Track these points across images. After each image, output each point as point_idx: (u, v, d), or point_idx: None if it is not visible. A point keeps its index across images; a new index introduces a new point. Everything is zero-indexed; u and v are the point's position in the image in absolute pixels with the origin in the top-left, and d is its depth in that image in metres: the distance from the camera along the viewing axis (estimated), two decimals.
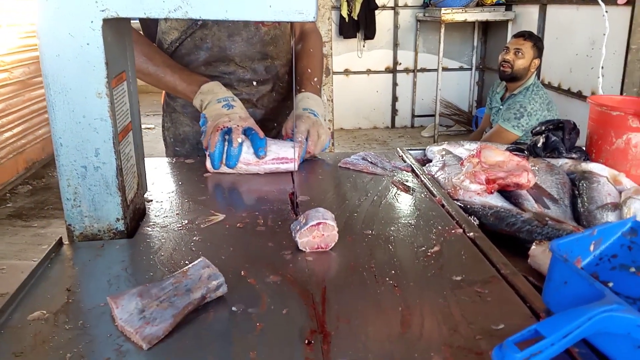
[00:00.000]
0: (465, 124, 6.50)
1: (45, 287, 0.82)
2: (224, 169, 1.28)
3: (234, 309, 0.76)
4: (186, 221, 1.05)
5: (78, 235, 0.98)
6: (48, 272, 0.86)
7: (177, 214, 1.08)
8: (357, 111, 6.64)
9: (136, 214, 1.06)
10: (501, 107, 3.67)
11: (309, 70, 1.56)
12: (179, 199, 1.18)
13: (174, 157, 1.60)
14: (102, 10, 0.86)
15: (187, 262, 0.87)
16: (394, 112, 6.83)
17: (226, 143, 1.25)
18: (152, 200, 1.16)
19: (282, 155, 1.28)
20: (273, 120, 1.63)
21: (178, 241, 0.96)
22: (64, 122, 0.92)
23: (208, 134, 1.27)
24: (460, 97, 6.71)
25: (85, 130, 0.92)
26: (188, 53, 1.48)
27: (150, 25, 1.50)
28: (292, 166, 1.29)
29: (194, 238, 0.98)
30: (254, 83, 1.54)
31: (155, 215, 1.08)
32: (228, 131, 1.25)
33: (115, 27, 0.94)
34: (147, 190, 1.20)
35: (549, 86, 4.77)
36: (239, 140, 1.25)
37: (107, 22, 0.88)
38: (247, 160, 1.27)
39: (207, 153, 1.28)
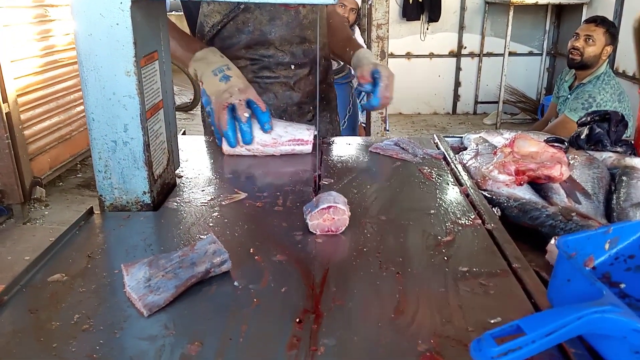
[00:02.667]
0: (531, 112, 6.22)
1: (69, 252, 0.88)
2: (239, 150, 1.29)
3: (236, 284, 0.78)
4: (209, 198, 1.08)
5: (108, 206, 1.04)
6: (75, 238, 0.92)
7: (202, 190, 1.12)
8: (417, 96, 6.51)
9: (164, 189, 1.11)
10: (569, 96, 3.49)
11: (349, 38, 1.63)
12: (207, 176, 1.22)
13: (212, 136, 1.65)
14: None
15: (202, 237, 0.91)
16: (456, 97, 6.64)
17: (236, 121, 1.24)
18: (182, 176, 1.21)
19: (297, 137, 1.30)
20: (309, 103, 1.64)
21: (198, 216, 1.00)
22: (96, 98, 0.97)
23: (216, 114, 1.26)
24: (529, 84, 6.42)
25: (115, 106, 0.97)
26: (230, 36, 1.52)
27: (192, 8, 1.54)
28: (308, 148, 1.31)
29: (214, 214, 1.01)
30: (292, 67, 1.56)
31: (182, 191, 1.13)
32: (233, 108, 1.23)
33: (145, 8, 0.98)
34: (179, 166, 1.24)
35: (623, 75, 4.47)
36: (246, 115, 1.23)
37: (135, 3, 0.92)
38: (263, 141, 1.28)
39: (221, 134, 1.28)
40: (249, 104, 1.25)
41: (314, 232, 0.92)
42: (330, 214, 0.91)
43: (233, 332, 0.67)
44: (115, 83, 0.96)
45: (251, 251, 0.87)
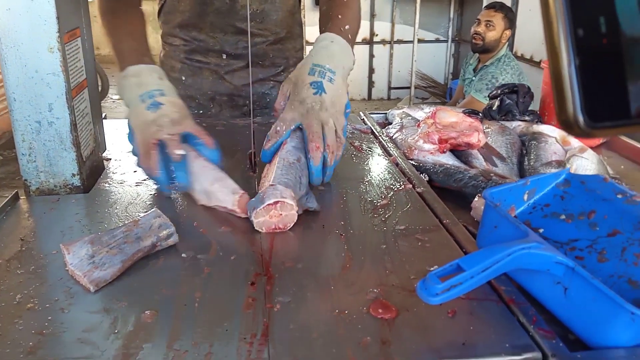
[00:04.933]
0: (441, 95, 6.54)
1: None
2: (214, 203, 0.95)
3: (183, 255, 0.78)
4: (144, 177, 1.06)
5: (34, 190, 0.99)
6: (2, 223, 0.88)
7: (134, 171, 1.10)
8: None
9: (93, 171, 1.07)
10: (474, 78, 3.72)
11: (340, 16, 1.17)
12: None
13: None
14: None
15: (141, 214, 0.90)
16: (371, 84, 6.83)
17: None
18: (110, 159, 1.17)
19: (222, 203, 0.92)
20: (244, 97, 1.56)
21: (134, 196, 0.98)
22: (17, 77, 0.92)
23: (142, 156, 0.95)
24: (437, 69, 6.73)
25: (38, 85, 0.93)
26: (169, 12, 1.49)
27: None
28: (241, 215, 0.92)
29: (151, 194, 1.00)
30: (224, 56, 1.52)
31: (113, 173, 1.10)
32: (162, 145, 0.93)
33: None
34: (105, 149, 1.20)
35: (521, 58, 4.81)
36: (179, 153, 0.92)
37: None
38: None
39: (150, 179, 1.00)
40: (187, 139, 0.96)
41: (260, 230, 0.84)
42: (277, 210, 0.84)
43: (188, 299, 0.68)
44: (38, 60, 0.91)
45: (195, 224, 0.88)
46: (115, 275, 0.72)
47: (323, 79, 1.03)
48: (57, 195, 0.99)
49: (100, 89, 6.19)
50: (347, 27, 1.14)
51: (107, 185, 1.04)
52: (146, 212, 0.90)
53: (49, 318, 0.64)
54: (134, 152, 1.00)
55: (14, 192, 0.97)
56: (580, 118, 0.27)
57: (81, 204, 0.96)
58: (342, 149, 1.03)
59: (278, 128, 1.01)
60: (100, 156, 1.14)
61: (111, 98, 6.35)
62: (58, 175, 0.99)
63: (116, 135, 1.32)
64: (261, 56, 1.54)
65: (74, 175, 0.99)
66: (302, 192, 0.90)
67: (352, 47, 1.14)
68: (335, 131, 1.00)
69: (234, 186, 0.90)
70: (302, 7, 1.54)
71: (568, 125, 0.28)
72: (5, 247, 0.80)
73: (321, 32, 1.17)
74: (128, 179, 1.06)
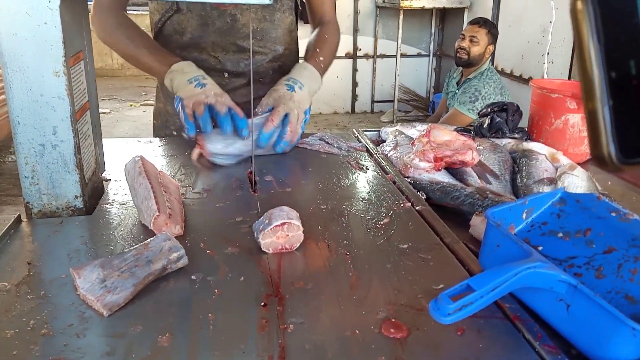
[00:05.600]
0: (423, 109, 6.63)
1: (5, 261, 0.83)
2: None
3: (193, 277, 0.79)
4: None
5: (37, 213, 0.99)
6: (7, 247, 0.88)
7: None
8: (317, 96, 6.51)
9: (95, 192, 1.08)
10: (457, 91, 3.79)
11: (317, 49, 1.53)
12: None
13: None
14: None
15: (146, 237, 0.90)
16: (354, 97, 6.90)
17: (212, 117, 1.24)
18: (110, 180, 1.18)
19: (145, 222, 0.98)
20: (246, 114, 1.60)
21: (137, 217, 0.99)
22: (22, 101, 0.92)
23: (192, 107, 1.24)
24: (418, 83, 6.83)
25: (42, 108, 0.93)
26: (169, 35, 1.51)
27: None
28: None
29: None
30: (225, 74, 1.54)
31: (114, 194, 1.10)
32: (210, 107, 1.24)
33: (72, 7, 0.95)
34: (105, 169, 1.21)
35: (502, 73, 4.92)
36: (224, 110, 1.23)
37: (64, 1, 0.89)
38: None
39: (189, 129, 1.24)
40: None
41: (267, 251, 0.87)
42: (284, 231, 0.86)
43: (202, 321, 0.69)
44: (43, 84, 0.92)
45: (202, 246, 0.89)
46: (128, 299, 0.73)
47: (295, 85, 1.37)
48: (59, 217, 0.99)
49: None
50: (321, 58, 1.50)
51: (109, 206, 1.04)
52: (150, 233, 0.91)
53: (65, 344, 0.64)
54: (178, 112, 1.27)
55: (17, 215, 0.97)
56: (614, 155, 0.30)
57: (85, 226, 0.96)
58: (297, 137, 1.34)
59: (257, 109, 1.33)
60: (101, 177, 1.14)
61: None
62: (61, 198, 0.99)
63: (114, 154, 1.33)
64: (261, 73, 1.58)
65: (76, 197, 1.00)
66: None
67: (322, 75, 1.51)
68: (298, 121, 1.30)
69: (153, 207, 0.92)
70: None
71: (601, 161, 0.30)
72: (13, 272, 0.80)
73: (307, 48, 1.54)
74: (129, 200, 1.06)
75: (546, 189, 1.14)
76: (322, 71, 1.50)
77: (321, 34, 1.59)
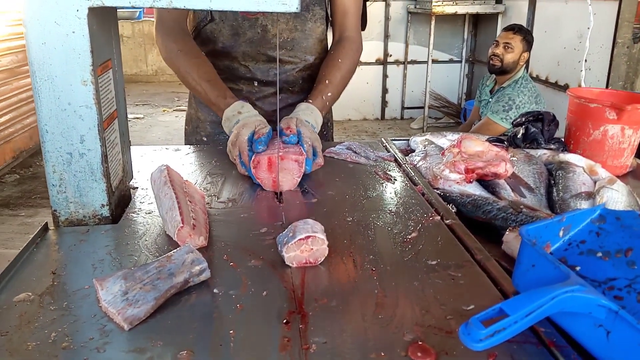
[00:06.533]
0: (454, 116, 6.54)
1: (30, 270, 0.83)
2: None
3: (215, 291, 0.78)
4: None
5: (63, 221, 1.00)
6: (33, 256, 0.88)
7: None
8: (347, 102, 6.64)
9: (121, 201, 1.08)
10: (490, 99, 3.71)
11: (327, 81, 1.47)
12: None
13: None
14: None
15: (170, 247, 0.90)
16: (384, 103, 6.85)
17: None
18: (137, 188, 1.18)
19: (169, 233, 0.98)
20: (274, 122, 1.59)
21: (162, 227, 0.98)
22: (50, 109, 0.93)
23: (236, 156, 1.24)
24: (450, 90, 6.74)
25: (70, 117, 0.94)
26: (203, 43, 1.53)
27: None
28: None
29: None
30: (255, 83, 1.55)
31: (141, 202, 1.10)
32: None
33: (100, 16, 0.95)
34: (132, 177, 1.21)
35: (536, 79, 4.81)
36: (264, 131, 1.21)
37: (92, 10, 0.89)
38: None
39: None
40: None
41: (290, 264, 0.85)
42: (308, 245, 0.84)
43: (222, 338, 0.67)
44: (71, 93, 0.92)
45: (225, 258, 0.87)
46: (149, 313, 0.72)
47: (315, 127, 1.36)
48: (85, 225, 0.99)
49: None
50: (329, 94, 1.47)
51: (135, 215, 1.04)
52: (174, 244, 0.90)
53: (85, 358, 0.63)
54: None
55: (44, 223, 0.97)
56: None
57: (110, 235, 0.96)
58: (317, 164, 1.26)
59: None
60: (128, 185, 1.14)
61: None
62: (87, 206, 0.99)
63: (142, 162, 1.34)
64: (291, 83, 1.58)
65: (103, 205, 1.00)
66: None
67: (329, 108, 1.53)
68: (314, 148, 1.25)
69: (177, 218, 0.91)
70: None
71: None
72: (38, 281, 0.80)
73: (319, 76, 1.51)
74: (155, 209, 1.06)
75: (584, 203, 1.09)
76: (327, 110, 1.50)
77: (335, 57, 1.54)
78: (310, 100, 1.42)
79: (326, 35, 1.63)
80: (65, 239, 0.95)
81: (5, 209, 4.02)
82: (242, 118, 1.30)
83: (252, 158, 1.16)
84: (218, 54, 1.52)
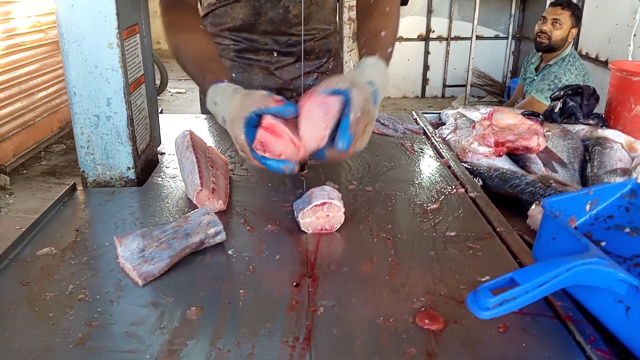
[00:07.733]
0: (498, 94, 6.34)
1: (55, 226, 0.86)
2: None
3: (230, 252, 0.79)
4: None
5: (91, 182, 1.02)
6: (60, 213, 0.91)
7: None
8: None
9: (148, 165, 1.10)
10: (535, 77, 3.57)
11: (383, 32, 1.15)
12: None
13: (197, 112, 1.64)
14: None
15: (191, 209, 0.91)
16: (425, 81, 6.70)
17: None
18: (164, 153, 1.20)
19: (189, 196, 0.95)
20: (292, 90, 1.61)
21: (184, 190, 1.00)
22: (77, 72, 0.95)
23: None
24: (495, 68, 6.52)
25: (97, 79, 0.96)
26: (220, 15, 1.52)
27: None
28: None
29: None
30: (275, 54, 1.54)
31: (166, 167, 1.12)
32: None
33: None
34: (160, 143, 1.23)
35: (586, 57, 4.59)
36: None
37: None
38: None
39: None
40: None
41: (306, 230, 0.84)
42: (324, 211, 0.83)
43: (232, 297, 0.68)
44: (98, 55, 0.94)
45: (242, 222, 0.88)
46: (163, 270, 0.73)
47: (377, 96, 0.91)
48: (112, 187, 1.02)
49: (159, 83, 6.38)
50: (389, 50, 1.10)
51: (160, 179, 1.06)
52: (195, 206, 0.92)
53: (99, 310, 0.65)
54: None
55: (72, 183, 1.00)
56: None
57: (135, 197, 0.98)
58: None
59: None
60: (155, 150, 1.16)
61: (169, 92, 6.55)
62: (114, 168, 1.02)
63: (171, 129, 1.35)
64: (308, 52, 1.58)
65: (129, 168, 1.02)
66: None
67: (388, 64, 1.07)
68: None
69: (197, 182, 0.91)
70: None
71: None
72: (61, 237, 0.83)
73: (362, 44, 1.12)
74: (179, 174, 1.07)
75: (619, 180, 1.04)
76: (389, 60, 1.09)
77: (381, 7, 1.26)
78: (376, 53, 1.03)
79: (336, 3, 1.62)
80: (92, 199, 0.97)
81: (52, 177, 4.19)
82: (221, 112, 0.93)
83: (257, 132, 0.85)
84: (237, 29, 1.51)
